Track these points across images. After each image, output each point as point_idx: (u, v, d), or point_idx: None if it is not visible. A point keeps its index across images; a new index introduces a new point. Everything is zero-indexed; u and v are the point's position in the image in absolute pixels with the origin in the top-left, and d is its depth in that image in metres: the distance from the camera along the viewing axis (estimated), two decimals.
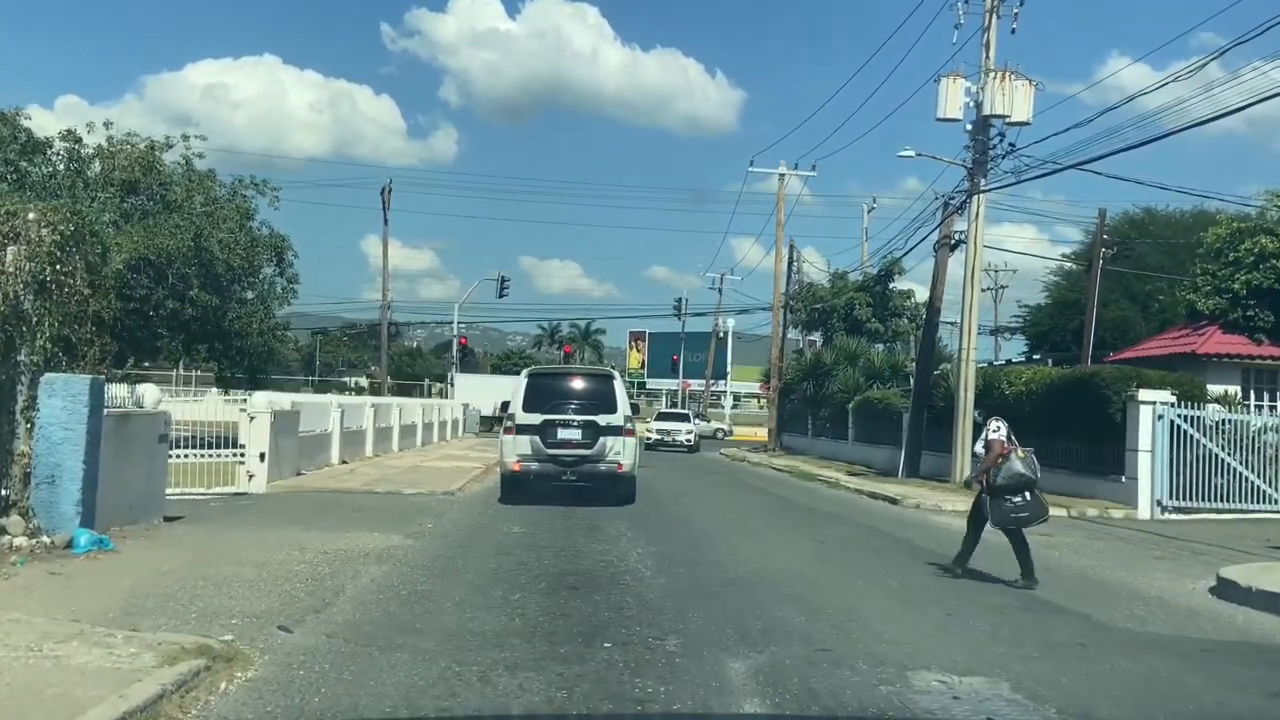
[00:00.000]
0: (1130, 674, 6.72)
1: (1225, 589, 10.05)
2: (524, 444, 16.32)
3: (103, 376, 10.95)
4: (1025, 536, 10.00)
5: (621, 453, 16.41)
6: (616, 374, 19.24)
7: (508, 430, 16.74)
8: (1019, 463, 9.86)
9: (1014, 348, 53.06)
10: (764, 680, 6.12)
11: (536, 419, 16.33)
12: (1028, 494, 9.87)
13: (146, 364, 32.40)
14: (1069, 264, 45.01)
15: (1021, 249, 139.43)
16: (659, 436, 41.88)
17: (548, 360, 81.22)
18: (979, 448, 10.40)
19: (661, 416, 47.71)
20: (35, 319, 10.56)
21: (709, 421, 65.28)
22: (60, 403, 10.22)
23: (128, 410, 12.23)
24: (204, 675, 5.57)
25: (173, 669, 5.45)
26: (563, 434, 16.33)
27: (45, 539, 9.88)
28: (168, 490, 13.56)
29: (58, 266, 10.66)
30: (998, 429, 10.14)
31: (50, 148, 26.80)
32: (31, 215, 10.57)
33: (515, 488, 16.62)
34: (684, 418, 47.05)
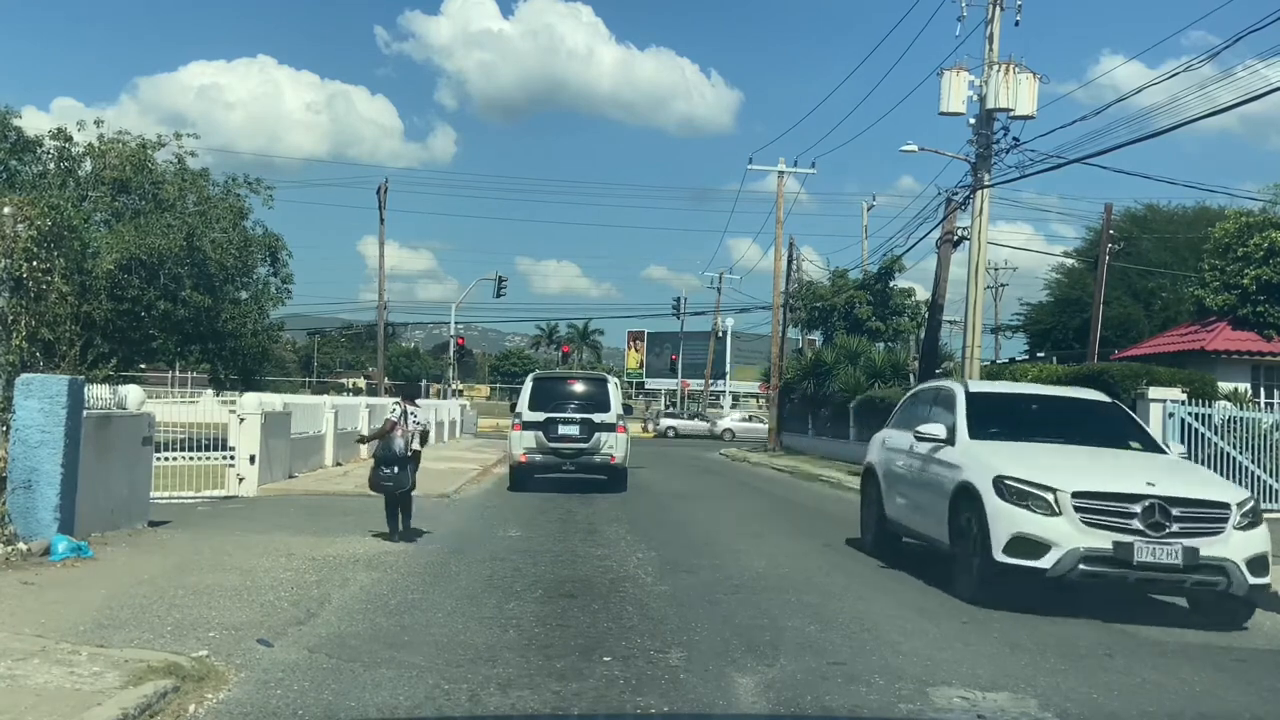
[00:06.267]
0: (1164, 688, 6.32)
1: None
2: (529, 439, 18.54)
3: (82, 377, 10.54)
4: (408, 499, 11.97)
5: (614, 447, 18.56)
6: (611, 378, 21.53)
7: (515, 426, 19.02)
8: (399, 441, 11.70)
9: (1015, 346, 52.78)
10: (775, 698, 5.73)
11: (540, 417, 18.54)
12: (397, 468, 11.65)
13: (142, 365, 32.00)
14: (1071, 260, 44.67)
15: (1017, 247, 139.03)
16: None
17: (546, 361, 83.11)
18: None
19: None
20: (11, 318, 10.19)
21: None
22: (37, 404, 9.81)
23: (109, 412, 11.81)
24: (171, 697, 5.16)
25: (137, 690, 5.05)
26: (563, 430, 18.48)
27: (21, 546, 9.47)
28: (155, 494, 13.18)
29: (34, 264, 10.28)
30: (394, 409, 12.22)
31: (40, 146, 26.46)
32: (6, 210, 10.20)
33: (522, 477, 18.91)
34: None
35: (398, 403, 12.43)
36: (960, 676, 6.24)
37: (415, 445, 11.96)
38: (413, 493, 12.16)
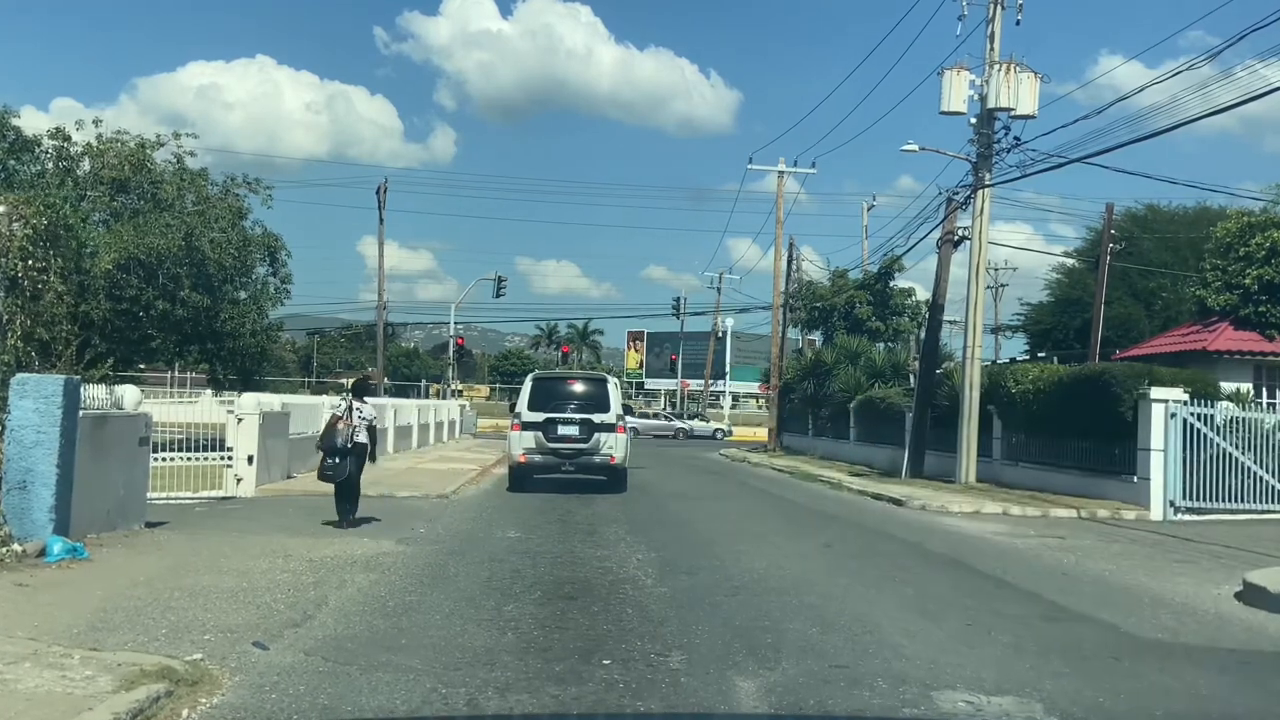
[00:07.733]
0: (1170, 691, 6.24)
1: (1252, 595, 9.58)
2: (529, 439, 18.46)
3: (78, 377, 10.46)
4: (353, 489, 12.73)
5: (614, 447, 18.42)
6: (611, 378, 21.40)
7: (514, 427, 18.94)
8: (339, 436, 12.41)
9: (1015, 346, 52.68)
10: (777, 702, 5.64)
11: (540, 417, 18.46)
12: (338, 459, 12.42)
13: (141, 365, 31.90)
14: (1071, 260, 44.57)
15: (1017, 247, 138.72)
16: None
17: (546, 361, 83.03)
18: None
19: None
20: (6, 317, 10.12)
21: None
22: (32, 404, 9.73)
23: (105, 412, 11.69)
24: (164, 701, 5.08)
25: (129, 695, 4.97)
26: (562, 430, 18.41)
27: (16, 547, 9.38)
28: (152, 495, 13.10)
29: (29, 262, 10.21)
30: (336, 406, 13.10)
31: (39, 146, 26.37)
32: (1, 209, 10.10)
33: (521, 477, 18.83)
34: None
35: (344, 397, 13.24)
36: (964, 680, 6.15)
37: (359, 438, 12.59)
38: (359, 486, 12.93)
